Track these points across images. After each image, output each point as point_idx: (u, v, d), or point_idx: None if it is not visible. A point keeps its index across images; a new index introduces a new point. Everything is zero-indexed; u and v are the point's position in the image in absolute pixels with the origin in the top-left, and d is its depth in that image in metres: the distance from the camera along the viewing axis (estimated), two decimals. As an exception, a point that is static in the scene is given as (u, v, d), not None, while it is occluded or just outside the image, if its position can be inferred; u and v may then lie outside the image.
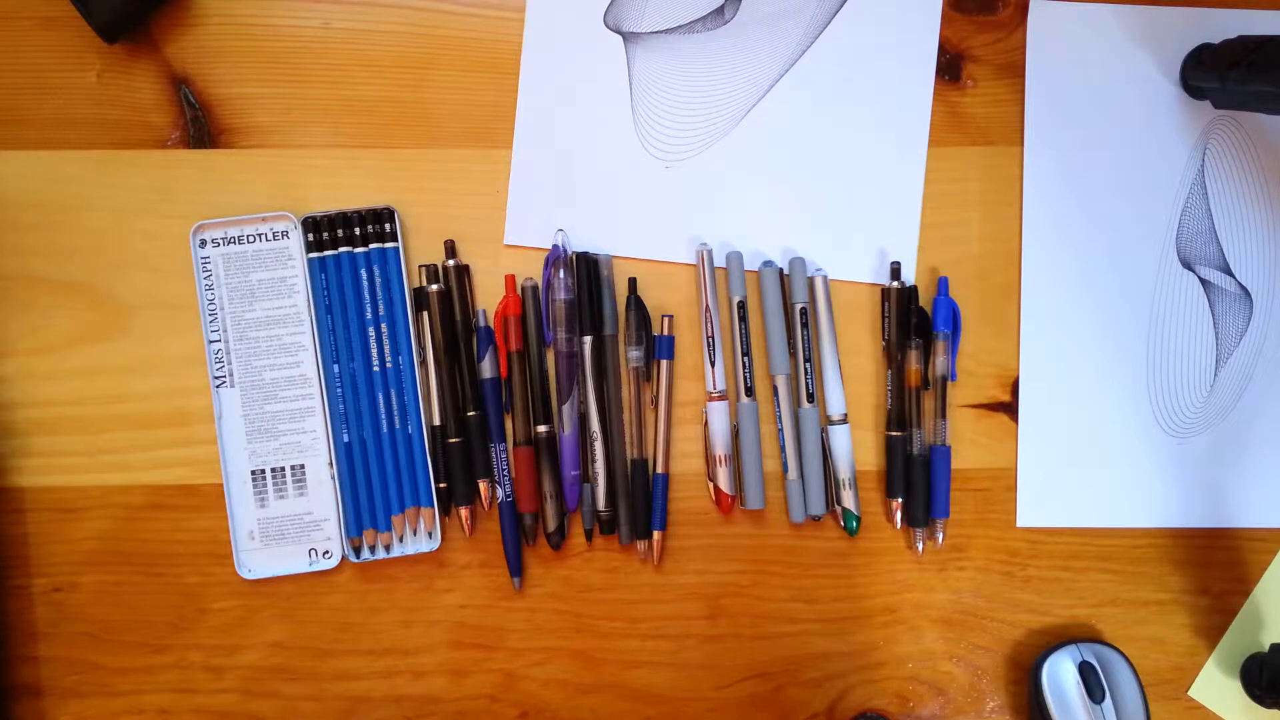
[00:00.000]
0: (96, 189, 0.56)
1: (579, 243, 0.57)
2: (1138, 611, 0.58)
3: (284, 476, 0.55)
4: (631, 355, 0.56)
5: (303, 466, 0.55)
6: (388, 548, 0.55)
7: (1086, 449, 0.58)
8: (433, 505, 0.55)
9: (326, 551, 0.55)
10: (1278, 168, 0.59)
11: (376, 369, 0.55)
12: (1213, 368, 0.59)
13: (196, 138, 0.56)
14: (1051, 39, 0.58)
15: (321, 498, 0.55)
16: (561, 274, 0.55)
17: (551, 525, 0.55)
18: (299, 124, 0.56)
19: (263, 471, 0.55)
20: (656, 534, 0.56)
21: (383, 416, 0.55)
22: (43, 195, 0.55)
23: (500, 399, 0.56)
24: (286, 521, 0.55)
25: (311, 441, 0.55)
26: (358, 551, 0.55)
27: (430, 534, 0.55)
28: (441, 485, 0.55)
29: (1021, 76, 0.58)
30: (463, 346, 0.55)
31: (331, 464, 0.55)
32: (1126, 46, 0.58)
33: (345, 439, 0.55)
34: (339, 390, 0.55)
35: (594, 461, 0.56)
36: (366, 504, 0.55)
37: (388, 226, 0.55)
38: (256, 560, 0.55)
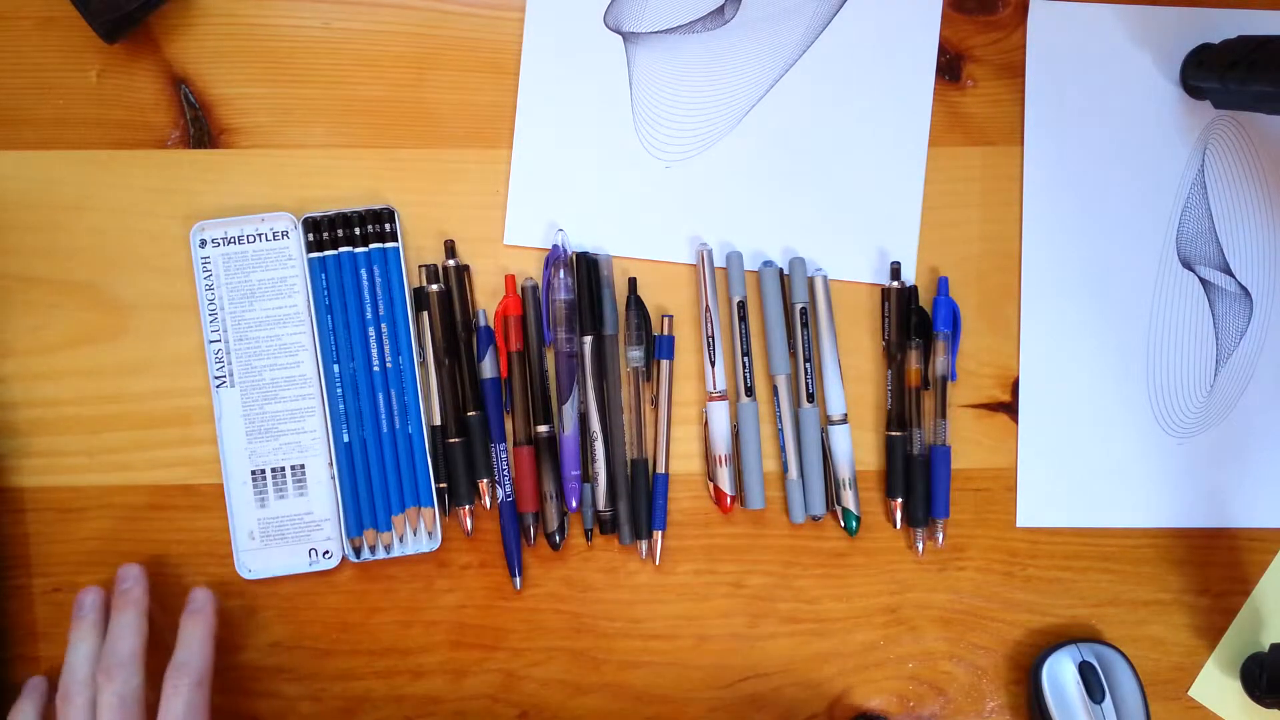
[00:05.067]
0: (96, 189, 0.56)
1: (579, 243, 0.57)
2: (1138, 611, 0.58)
3: (284, 476, 0.55)
4: (631, 355, 0.56)
5: (303, 466, 0.55)
6: (388, 548, 0.55)
7: (1086, 449, 0.58)
8: (433, 505, 0.55)
9: (326, 552, 0.55)
10: (1278, 168, 0.59)
11: (376, 369, 0.55)
12: (1213, 368, 0.59)
13: (196, 138, 0.56)
14: (1051, 39, 0.58)
15: (321, 498, 0.55)
16: (561, 274, 0.55)
17: (551, 525, 0.55)
18: (299, 124, 0.56)
19: (263, 471, 0.55)
20: (656, 534, 0.56)
21: (383, 416, 0.55)
22: (43, 195, 0.55)
23: (500, 399, 0.56)
24: (286, 521, 0.55)
25: (311, 441, 0.55)
26: (358, 552, 0.55)
27: (430, 534, 0.55)
28: (441, 485, 0.55)
29: (1021, 76, 0.58)
30: (463, 346, 0.55)
31: (331, 464, 0.55)
32: (1126, 46, 0.58)
33: (345, 439, 0.55)
34: (339, 390, 0.55)
35: (594, 461, 0.56)
36: (367, 504, 0.55)
37: (388, 226, 0.55)
38: (256, 560, 0.55)
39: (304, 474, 0.55)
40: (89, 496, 0.55)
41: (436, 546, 0.55)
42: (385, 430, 0.55)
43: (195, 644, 0.51)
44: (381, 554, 0.55)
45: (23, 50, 0.56)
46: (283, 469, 0.55)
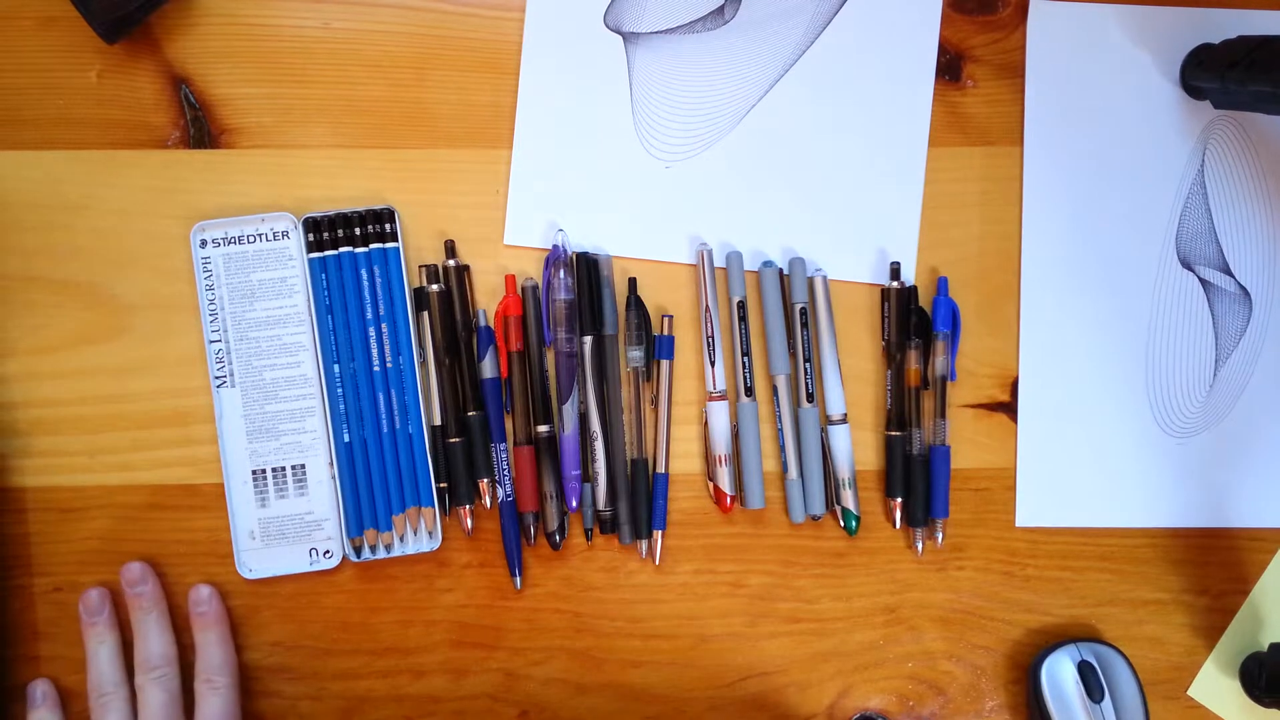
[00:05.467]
0: (97, 189, 0.56)
1: (579, 243, 0.57)
2: (1137, 611, 0.58)
3: (284, 476, 0.55)
4: (631, 355, 0.56)
5: (303, 466, 0.55)
6: (388, 547, 0.55)
7: (1086, 449, 0.58)
8: (433, 505, 0.55)
9: (327, 551, 0.55)
10: (1277, 168, 0.59)
11: (377, 369, 0.55)
12: (1212, 367, 0.59)
13: (196, 138, 0.56)
14: (1051, 39, 0.58)
15: (322, 497, 0.55)
16: (561, 274, 0.55)
17: (552, 525, 0.55)
18: (299, 124, 0.56)
19: (263, 471, 0.55)
20: (656, 534, 0.56)
21: (383, 416, 0.55)
22: (43, 195, 0.55)
23: (501, 399, 0.56)
24: (287, 521, 0.55)
25: (312, 441, 0.55)
26: (358, 551, 0.55)
27: (431, 533, 0.55)
28: (442, 485, 0.55)
29: (1021, 76, 0.58)
30: (463, 346, 0.55)
31: (332, 464, 0.55)
32: (1126, 46, 0.58)
33: (346, 439, 0.55)
34: (339, 390, 0.55)
35: (594, 461, 0.56)
36: (367, 504, 0.55)
37: (388, 226, 0.55)
38: (257, 560, 0.55)
39: (304, 474, 0.55)
40: (89, 496, 0.55)
41: (437, 546, 0.55)
42: (385, 430, 0.55)
43: (215, 645, 0.53)
44: (382, 554, 0.55)
45: (23, 50, 0.56)
46: (283, 469, 0.55)
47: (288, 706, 0.56)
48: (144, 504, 0.55)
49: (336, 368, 0.55)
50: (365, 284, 0.55)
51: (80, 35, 0.55)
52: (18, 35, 0.55)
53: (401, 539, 0.55)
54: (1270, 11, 0.58)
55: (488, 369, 0.55)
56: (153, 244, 0.56)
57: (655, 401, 0.56)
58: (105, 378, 0.55)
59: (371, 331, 0.55)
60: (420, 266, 0.55)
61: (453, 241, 0.56)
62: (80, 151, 0.56)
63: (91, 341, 0.55)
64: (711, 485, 0.56)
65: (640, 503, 0.56)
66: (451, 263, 0.55)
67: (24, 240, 0.55)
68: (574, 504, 0.56)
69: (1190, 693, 0.58)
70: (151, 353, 0.55)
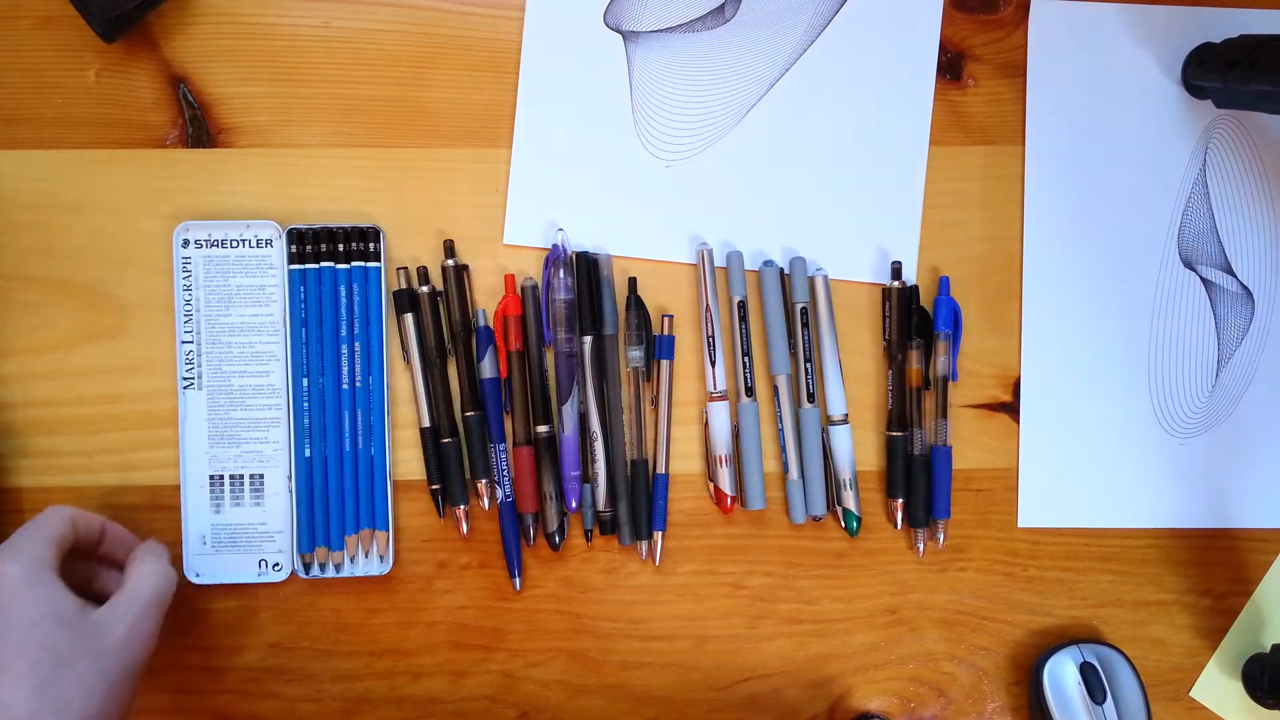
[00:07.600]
0: (94, 188, 0.55)
1: (579, 243, 0.56)
2: (1139, 612, 0.58)
3: (242, 485, 0.54)
4: (631, 355, 0.56)
5: (262, 476, 0.54)
6: (338, 567, 0.55)
7: (1088, 449, 0.58)
8: (387, 529, 0.54)
9: (276, 564, 0.54)
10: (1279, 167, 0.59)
11: (345, 387, 0.54)
12: (1214, 368, 0.59)
13: (195, 137, 0.56)
14: (1053, 38, 0.58)
15: (277, 510, 0.54)
16: (561, 274, 0.55)
17: (551, 526, 0.55)
18: (297, 123, 0.56)
19: (221, 477, 0.54)
20: (657, 534, 0.56)
21: (346, 435, 0.54)
22: (41, 195, 0.55)
23: (500, 399, 0.55)
24: (239, 530, 0.54)
25: (273, 452, 0.54)
26: (307, 568, 0.54)
27: (382, 557, 0.55)
28: (435, 487, 0.55)
29: (1023, 76, 0.58)
30: (462, 346, 0.55)
31: (290, 477, 0.54)
32: (1128, 45, 0.58)
33: (307, 453, 0.54)
34: (305, 404, 0.54)
35: (594, 462, 0.55)
36: (321, 521, 0.54)
37: (372, 246, 0.54)
38: (206, 565, 0.54)
39: (262, 484, 0.54)
40: (88, 497, 0.55)
41: (388, 570, 0.55)
42: (348, 449, 0.54)
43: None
44: (331, 572, 0.55)
45: (21, 50, 0.55)
46: (241, 477, 0.54)
47: (287, 708, 0.56)
48: (142, 504, 0.55)
49: (305, 381, 0.54)
50: (343, 300, 0.54)
51: (78, 34, 0.55)
52: (16, 34, 0.55)
53: (352, 559, 0.55)
54: (1271, 11, 0.58)
55: (487, 369, 0.55)
56: (150, 243, 0.55)
57: (655, 401, 0.56)
58: (103, 378, 0.55)
59: (344, 349, 0.54)
60: (399, 270, 0.55)
61: (452, 241, 0.55)
62: (78, 151, 0.55)
63: (89, 341, 0.55)
64: (712, 486, 0.56)
65: (640, 503, 0.56)
66: (450, 262, 0.55)
67: (21, 240, 0.55)
68: (574, 505, 0.55)
69: (1192, 694, 0.58)
70: (149, 353, 0.55)
